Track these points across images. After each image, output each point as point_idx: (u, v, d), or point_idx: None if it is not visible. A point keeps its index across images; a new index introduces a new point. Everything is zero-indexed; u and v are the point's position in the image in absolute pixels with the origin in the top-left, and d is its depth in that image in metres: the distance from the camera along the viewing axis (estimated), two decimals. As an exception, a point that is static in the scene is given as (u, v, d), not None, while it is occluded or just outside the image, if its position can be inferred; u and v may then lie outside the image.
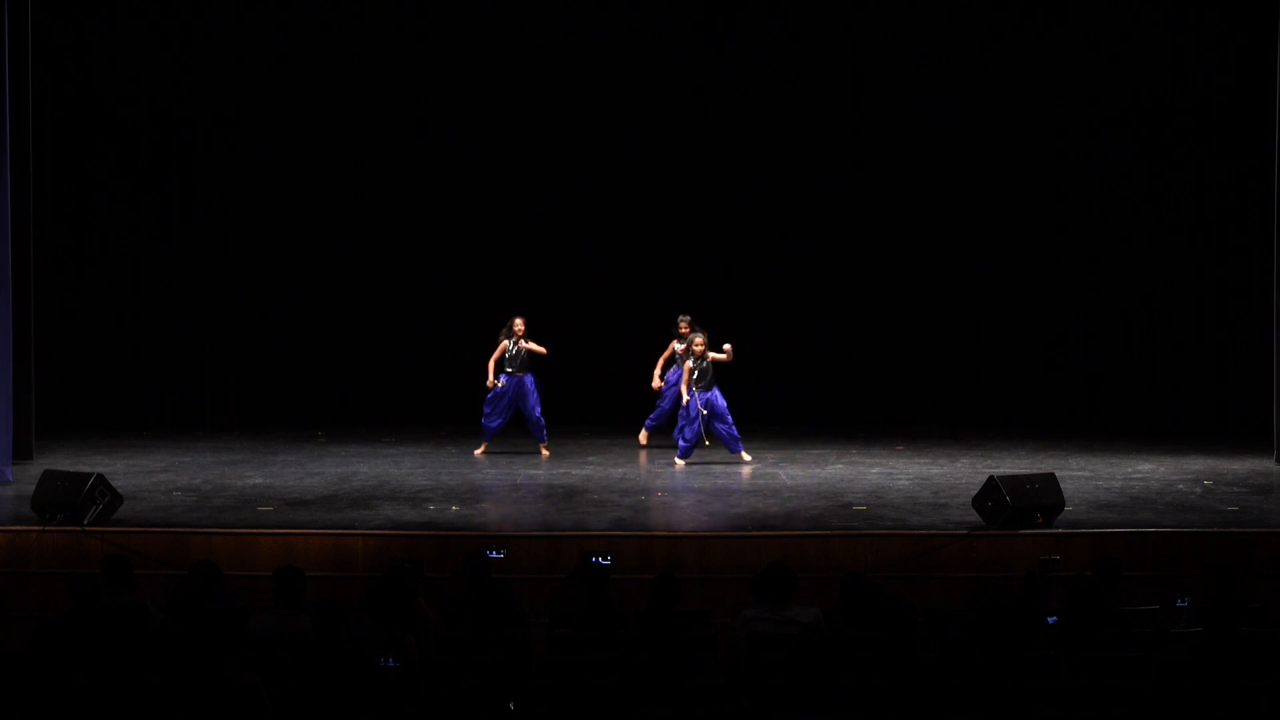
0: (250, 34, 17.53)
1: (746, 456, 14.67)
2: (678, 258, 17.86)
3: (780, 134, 17.85)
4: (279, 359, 17.93)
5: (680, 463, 14.72)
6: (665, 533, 11.46)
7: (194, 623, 8.06)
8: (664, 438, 15.85)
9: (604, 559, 9.15)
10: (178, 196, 17.62)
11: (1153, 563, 10.91)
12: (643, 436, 15.76)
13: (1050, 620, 8.46)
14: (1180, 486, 13.36)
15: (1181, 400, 17.25)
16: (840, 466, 14.69)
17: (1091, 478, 13.79)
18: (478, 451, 15.41)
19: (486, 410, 15.34)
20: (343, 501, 12.65)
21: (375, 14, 17.76)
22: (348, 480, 13.80)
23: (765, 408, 15.31)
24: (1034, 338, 17.86)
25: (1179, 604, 8.89)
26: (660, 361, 15.73)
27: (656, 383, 15.69)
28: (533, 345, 15.21)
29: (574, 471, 14.36)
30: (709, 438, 14.95)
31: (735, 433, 14.68)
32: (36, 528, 11.34)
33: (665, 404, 15.67)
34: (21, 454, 14.43)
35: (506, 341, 15.23)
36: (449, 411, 17.63)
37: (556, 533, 11.43)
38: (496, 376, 15.22)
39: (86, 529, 11.23)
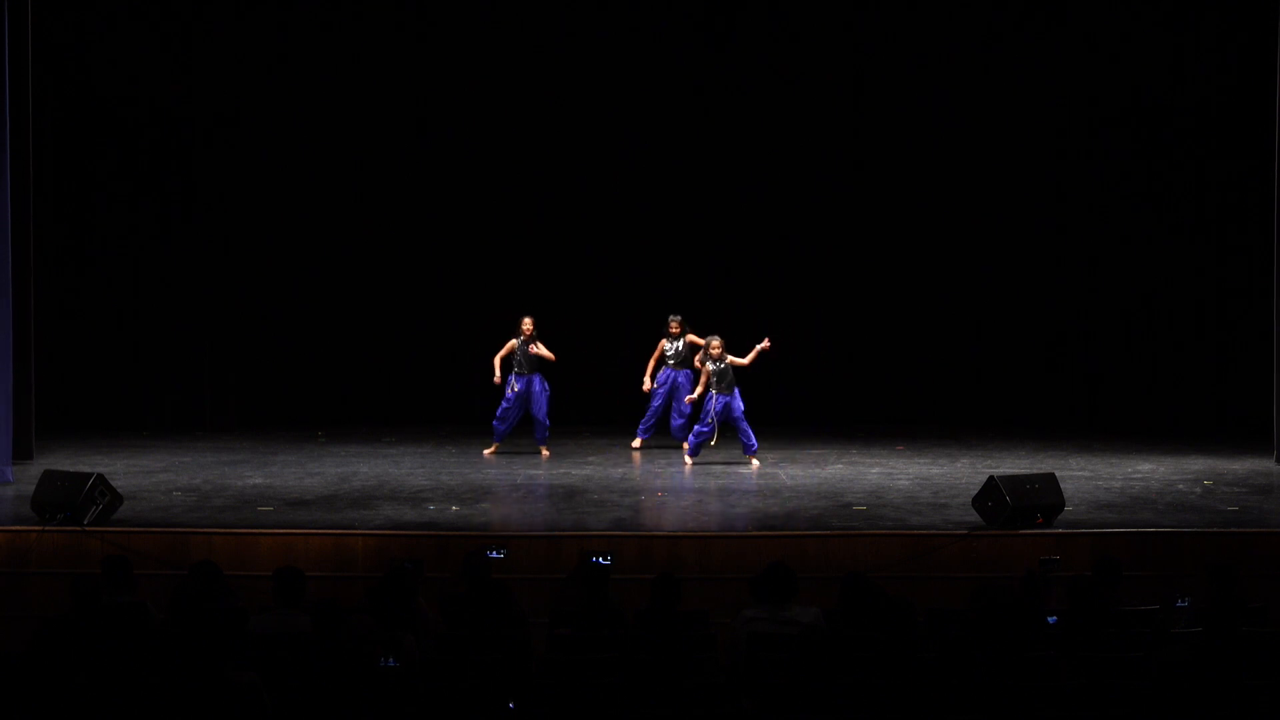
0: (250, 34, 17.53)
1: (755, 463, 14.65)
2: (678, 258, 17.86)
3: (780, 134, 17.85)
4: (279, 359, 17.93)
5: (689, 461, 14.71)
6: (665, 533, 11.46)
7: (194, 623, 8.06)
8: (660, 438, 15.83)
9: (604, 559, 9.15)
10: (178, 196, 17.62)
11: (1153, 563, 10.91)
12: (636, 443, 15.72)
13: (1050, 620, 8.46)
14: (1180, 486, 13.36)
15: (1181, 400, 17.25)
16: (840, 466, 14.69)
17: (1091, 478, 13.79)
18: (487, 451, 15.41)
19: (499, 413, 15.32)
20: (343, 501, 12.65)
21: (375, 14, 17.76)
22: (348, 480, 13.80)
23: (765, 408, 15.29)
24: (1034, 338, 17.86)
25: (1179, 604, 8.89)
26: (651, 362, 15.71)
27: (648, 384, 15.68)
28: (542, 350, 15.21)
29: (574, 471, 14.36)
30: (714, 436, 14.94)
31: (752, 439, 14.66)
32: (36, 528, 11.34)
33: (656, 402, 15.65)
34: (21, 454, 14.43)
35: (515, 341, 15.24)
36: (449, 411, 17.64)
37: (556, 533, 11.43)
38: (505, 376, 15.20)
39: (86, 529, 11.23)
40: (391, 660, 7.45)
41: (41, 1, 15.14)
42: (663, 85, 17.80)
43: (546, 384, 15.34)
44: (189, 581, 8.98)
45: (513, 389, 15.21)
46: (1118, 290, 17.53)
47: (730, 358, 14.61)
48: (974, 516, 11.51)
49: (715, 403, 14.54)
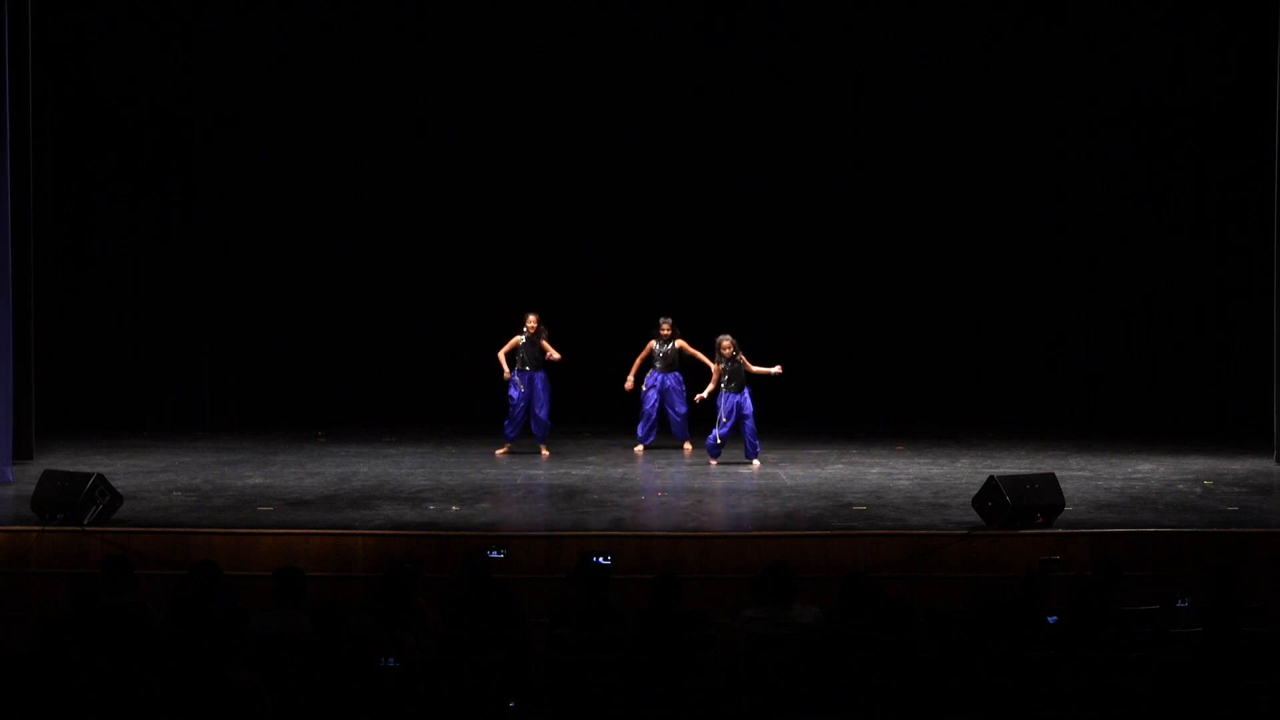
0: (250, 34, 17.53)
1: (755, 464, 14.65)
2: (678, 258, 17.86)
3: (780, 134, 17.85)
4: (279, 359, 17.93)
5: (714, 463, 14.69)
6: (665, 533, 11.46)
7: (194, 623, 8.06)
8: (661, 438, 15.83)
9: (604, 559, 9.15)
10: (178, 196, 17.62)
11: (1153, 563, 10.91)
12: (638, 450, 15.70)
13: (1050, 620, 8.46)
14: (1180, 486, 13.36)
15: (1181, 400, 17.25)
16: (840, 466, 14.69)
17: (1091, 478, 13.79)
18: (500, 452, 15.40)
19: (508, 416, 15.31)
20: (343, 501, 12.65)
21: (375, 14, 17.76)
22: (348, 480, 13.80)
23: (766, 408, 15.28)
24: (1034, 338, 17.86)
25: (1179, 604, 8.88)
26: (637, 362, 15.70)
27: (630, 384, 15.66)
28: (548, 348, 15.21)
29: (574, 471, 14.36)
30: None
31: (755, 444, 14.67)
32: (36, 528, 11.34)
33: (650, 408, 15.64)
34: (21, 454, 14.43)
35: (519, 338, 15.24)
36: (449, 411, 17.64)
37: (556, 533, 11.43)
38: (511, 371, 15.21)
39: (86, 529, 11.23)
40: (391, 660, 7.45)
41: (41, 1, 15.13)
42: (663, 85, 17.80)
43: (549, 382, 15.34)
44: (189, 581, 8.98)
45: (518, 388, 15.22)
46: (1118, 290, 17.53)
47: (742, 357, 14.61)
48: (974, 516, 11.51)
49: (726, 401, 14.55)
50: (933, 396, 17.91)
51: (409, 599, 8.42)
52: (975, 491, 11.62)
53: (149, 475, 14.05)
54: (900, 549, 11.10)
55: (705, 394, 14.76)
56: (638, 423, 15.72)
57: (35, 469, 13.12)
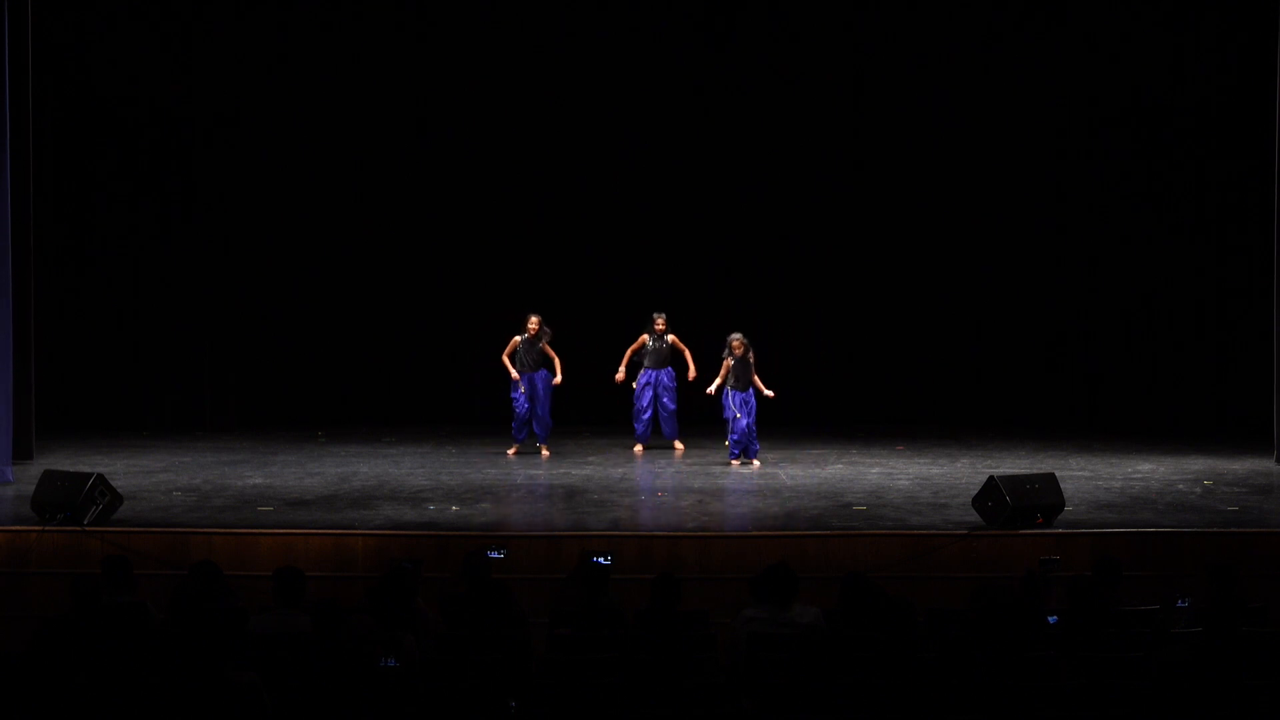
0: (250, 34, 17.53)
1: (755, 464, 14.65)
2: (678, 258, 17.86)
3: (780, 134, 17.84)
4: (279, 359, 17.93)
5: (735, 463, 14.68)
6: (665, 533, 11.46)
7: (194, 623, 8.06)
8: (656, 437, 15.84)
9: (604, 559, 9.15)
10: (178, 196, 17.62)
11: (1153, 563, 10.91)
12: (638, 450, 15.71)
13: (1050, 620, 8.46)
14: (1180, 486, 13.36)
15: (1181, 400, 17.25)
16: (840, 466, 14.69)
17: (1091, 478, 13.79)
18: (510, 451, 15.40)
19: (515, 418, 15.31)
20: (343, 501, 12.65)
21: (375, 14, 17.75)
22: (348, 480, 13.80)
23: (766, 407, 15.28)
24: (1034, 338, 17.86)
25: (1179, 604, 8.88)
26: (627, 354, 15.69)
27: (621, 374, 15.66)
28: (551, 354, 15.22)
29: (574, 471, 14.36)
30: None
31: (755, 444, 14.68)
32: (36, 528, 11.34)
33: (644, 403, 15.65)
34: (21, 454, 14.43)
35: (519, 338, 15.25)
36: (449, 411, 17.65)
37: (556, 533, 11.43)
38: (516, 370, 15.22)
39: (86, 529, 11.23)
40: (391, 660, 7.45)
41: (41, 1, 15.13)
42: (663, 85, 17.79)
43: (549, 381, 15.34)
44: (189, 581, 8.98)
45: (520, 388, 15.23)
46: (1118, 290, 17.53)
47: (751, 357, 14.61)
48: (974, 516, 11.50)
49: (734, 398, 14.55)
50: (933, 396, 17.91)
51: (409, 599, 8.42)
52: (975, 491, 11.62)
53: (149, 475, 14.05)
54: (900, 549, 11.09)
55: (713, 388, 14.73)
56: (635, 421, 15.73)
57: (35, 469, 13.12)
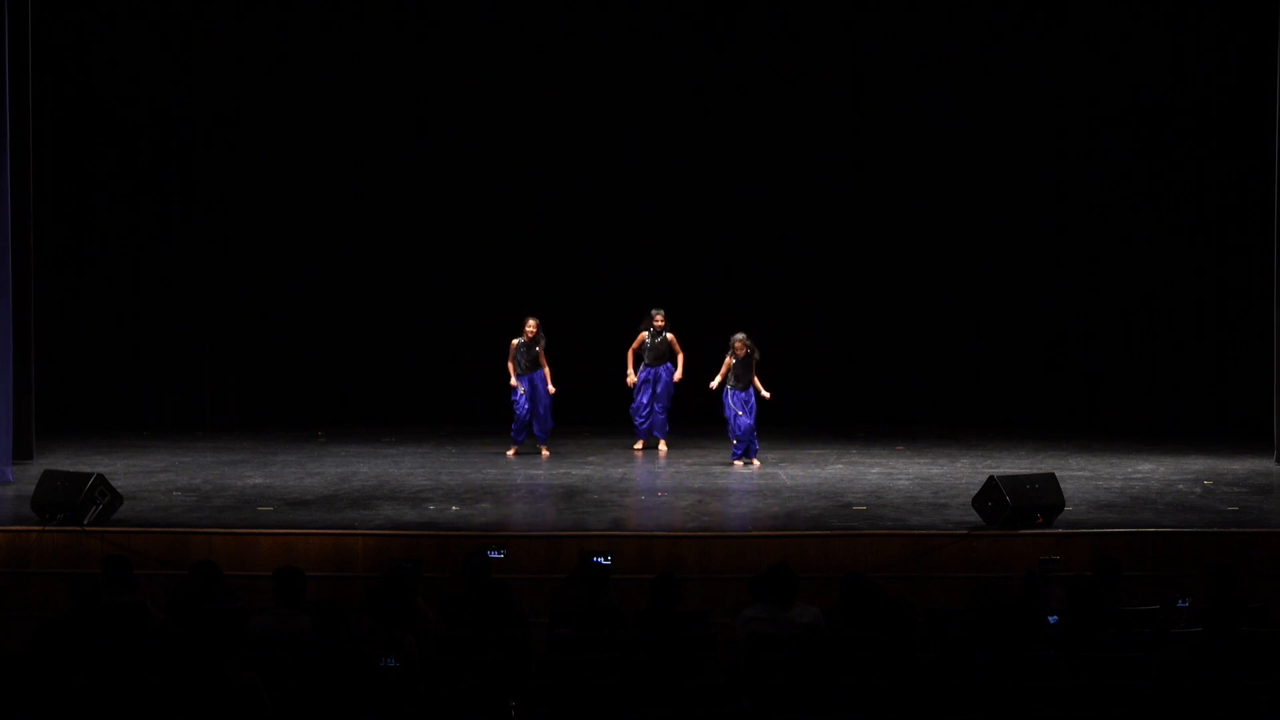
0: (250, 34, 17.53)
1: (755, 463, 14.66)
2: (678, 258, 17.85)
3: (780, 134, 17.84)
4: (279, 359, 17.93)
5: (738, 463, 14.68)
6: (665, 533, 11.46)
7: (194, 623, 8.06)
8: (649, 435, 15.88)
9: (604, 559, 9.15)
10: (178, 196, 17.62)
11: (1153, 563, 10.92)
12: (638, 445, 15.72)
13: (1050, 620, 8.46)
14: (1180, 486, 13.36)
15: (1181, 400, 17.25)
16: (840, 466, 14.69)
17: (1091, 478, 13.79)
18: (510, 452, 15.39)
19: (514, 420, 15.31)
20: (343, 501, 12.65)
21: (375, 14, 17.75)
22: (348, 480, 13.80)
23: (766, 407, 15.29)
24: (1034, 338, 17.86)
25: (1179, 604, 8.88)
26: (631, 355, 15.69)
27: (633, 378, 15.66)
28: (543, 360, 15.22)
29: (574, 471, 14.36)
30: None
31: (755, 444, 14.69)
32: (36, 528, 11.34)
33: (644, 399, 15.66)
34: (21, 454, 14.43)
35: (517, 341, 15.24)
36: (449, 411, 17.64)
37: (556, 533, 11.44)
38: (517, 375, 15.24)
39: (86, 529, 11.23)
40: (391, 660, 7.45)
41: (41, 1, 15.13)
42: (663, 85, 17.79)
43: (547, 384, 15.33)
44: (189, 581, 8.98)
45: (519, 390, 15.23)
46: (1118, 290, 17.53)
47: (756, 354, 14.60)
48: (974, 516, 11.50)
49: (734, 398, 14.56)
50: (933, 396, 17.91)
51: (409, 599, 8.43)
52: (975, 491, 11.62)
53: (149, 475, 14.05)
54: (900, 549, 11.10)
55: (714, 384, 14.71)
56: (634, 419, 15.74)
57: (35, 469, 13.12)
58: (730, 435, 14.74)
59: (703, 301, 17.38)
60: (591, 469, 14.53)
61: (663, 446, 15.68)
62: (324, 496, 12.91)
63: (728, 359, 14.68)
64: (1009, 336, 17.89)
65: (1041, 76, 17.44)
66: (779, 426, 16.04)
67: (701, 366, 15.42)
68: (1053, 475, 11.78)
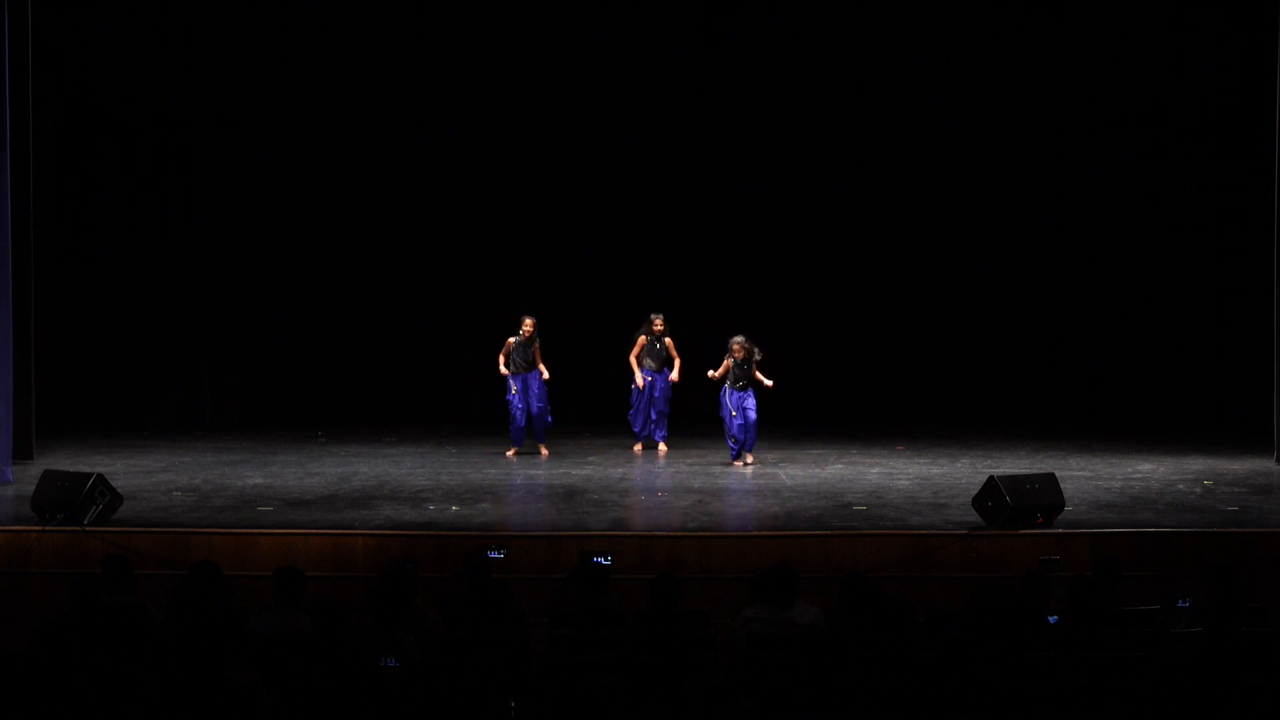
0: (250, 34, 17.53)
1: (749, 458, 14.65)
2: (678, 258, 17.86)
3: (780, 134, 17.85)
4: (279, 359, 17.93)
5: (738, 463, 14.67)
6: (665, 533, 11.46)
7: (194, 623, 8.06)
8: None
9: (604, 559, 9.15)
10: (178, 196, 17.62)
11: (1153, 563, 10.91)
12: (637, 449, 15.71)
13: (1050, 620, 8.46)
14: (1180, 486, 13.36)
15: (1181, 400, 17.25)
16: (840, 466, 14.69)
17: (1091, 478, 13.79)
18: (509, 453, 15.39)
19: (512, 420, 15.31)
20: (343, 501, 12.65)
21: (375, 14, 17.75)
22: (348, 480, 13.79)
23: (766, 407, 15.30)
24: (1034, 338, 17.86)
25: (1179, 604, 8.88)
26: (634, 360, 15.68)
27: (641, 381, 15.64)
28: (539, 360, 15.21)
29: (574, 471, 14.36)
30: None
31: (752, 436, 14.68)
32: (36, 528, 11.34)
33: (643, 400, 15.67)
34: (21, 454, 14.43)
35: (513, 340, 15.23)
36: (449, 411, 17.64)
37: (556, 533, 11.43)
38: (510, 372, 15.21)
39: (86, 529, 11.23)
40: (391, 660, 7.45)
41: (41, 1, 15.13)
42: (663, 85, 17.80)
43: (542, 382, 15.31)
44: (189, 581, 8.98)
45: (513, 390, 15.23)
46: (1118, 290, 17.53)
47: (759, 356, 14.58)
48: (974, 516, 11.50)
49: (732, 398, 14.55)
50: (933, 396, 17.91)
51: (409, 599, 8.42)
52: (975, 491, 11.62)
53: (149, 475, 14.05)
54: (900, 549, 11.10)
55: (714, 374, 14.67)
56: (632, 425, 15.73)
57: (35, 469, 13.12)
58: (727, 436, 14.72)
59: (703, 302, 17.38)
60: (591, 469, 14.53)
61: (662, 447, 15.67)
62: (324, 496, 12.91)
63: (726, 361, 14.68)
64: (1009, 336, 17.89)
65: (1041, 76, 17.44)
66: (779, 426, 16.05)
67: (701, 368, 15.40)
68: (1053, 475, 11.78)
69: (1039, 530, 11.19)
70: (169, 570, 10.60)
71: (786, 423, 16.58)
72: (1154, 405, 17.27)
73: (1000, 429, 17.00)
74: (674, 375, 15.57)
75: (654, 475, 14.37)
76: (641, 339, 15.65)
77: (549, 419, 15.40)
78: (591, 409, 17.10)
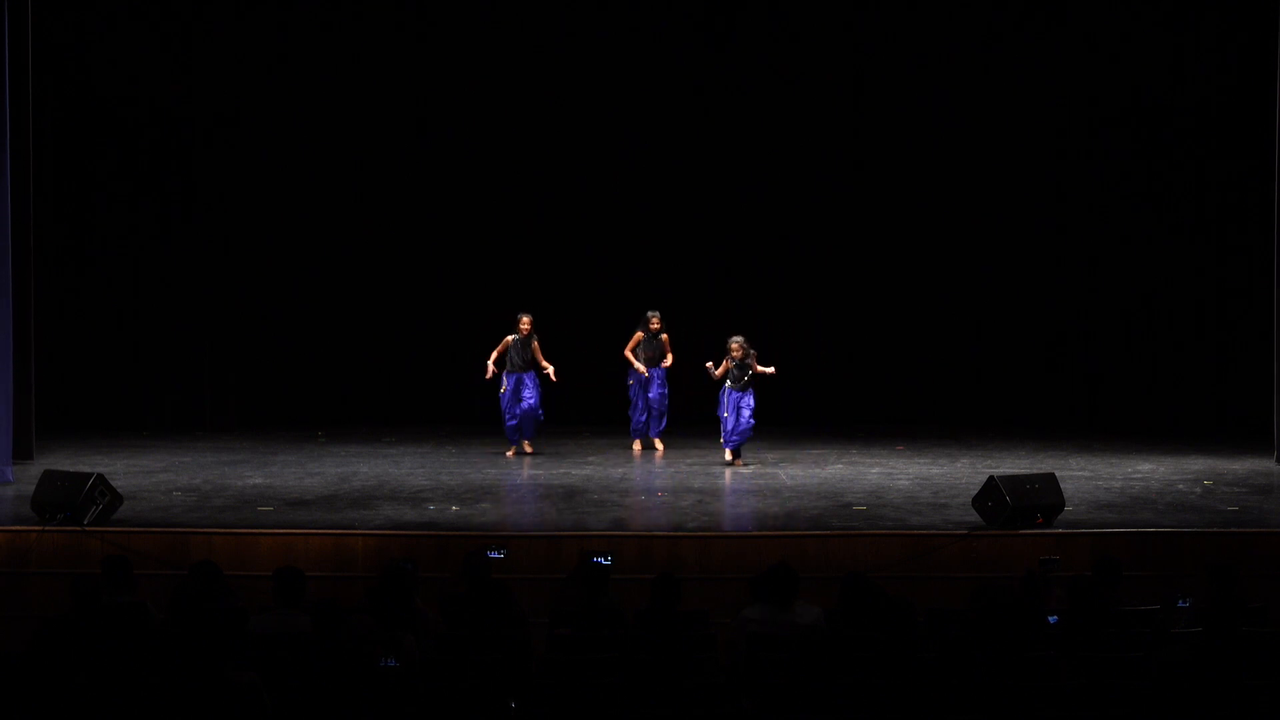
0: (250, 34, 17.53)
1: (739, 462, 14.65)
2: (678, 258, 17.87)
3: (780, 134, 17.85)
4: (279, 359, 17.93)
5: (738, 462, 14.65)
6: (665, 533, 11.45)
7: (194, 623, 8.06)
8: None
9: (604, 559, 9.15)
10: (178, 196, 17.63)
11: (1153, 563, 10.91)
12: (636, 448, 15.73)
13: (1050, 620, 8.46)
14: (1180, 486, 13.36)
15: (1181, 400, 17.25)
16: (840, 466, 14.69)
17: (1091, 478, 13.79)
18: (508, 453, 15.39)
19: (506, 420, 15.30)
20: (343, 501, 12.65)
21: (375, 14, 17.76)
22: (348, 480, 13.79)
23: (766, 407, 15.30)
24: (1034, 338, 17.86)
25: (1179, 604, 8.88)
26: (631, 355, 15.67)
27: (641, 368, 15.63)
28: (539, 354, 15.19)
29: (574, 471, 14.36)
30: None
31: (749, 431, 14.68)
32: (36, 528, 11.33)
33: (639, 401, 15.67)
34: (21, 454, 14.43)
35: (510, 338, 15.23)
36: (449, 411, 17.64)
37: (556, 533, 11.43)
38: (497, 372, 15.21)
39: (86, 529, 11.23)
40: (391, 660, 7.45)
41: (41, 1, 15.13)
42: (663, 85, 17.80)
43: (537, 381, 15.28)
44: (189, 581, 8.98)
45: (504, 389, 15.22)
46: (1118, 290, 17.53)
47: (753, 358, 14.56)
48: (974, 516, 11.50)
49: (730, 397, 14.55)
50: (933, 396, 17.92)
51: (409, 599, 8.42)
52: (975, 491, 11.62)
53: (149, 475, 14.05)
54: (900, 549, 11.09)
55: (717, 372, 14.65)
56: (631, 418, 15.73)
57: (35, 469, 13.12)
58: (723, 433, 14.71)
59: (702, 301, 17.39)
60: (591, 469, 14.53)
61: (659, 445, 15.67)
62: (324, 496, 12.91)
63: (725, 361, 14.68)
64: (1009, 336, 17.90)
65: (1041, 76, 17.45)
66: (779, 426, 16.05)
67: (702, 368, 15.40)
68: (1053, 475, 11.78)
69: (1039, 530, 11.19)
70: (169, 570, 10.60)
71: (786, 423, 16.58)
72: (1154, 405, 17.27)
73: (1000, 429, 17.00)
74: (667, 361, 15.54)
75: (654, 475, 14.37)
76: (638, 335, 15.66)
77: (540, 415, 15.35)
78: (591, 409, 17.11)
